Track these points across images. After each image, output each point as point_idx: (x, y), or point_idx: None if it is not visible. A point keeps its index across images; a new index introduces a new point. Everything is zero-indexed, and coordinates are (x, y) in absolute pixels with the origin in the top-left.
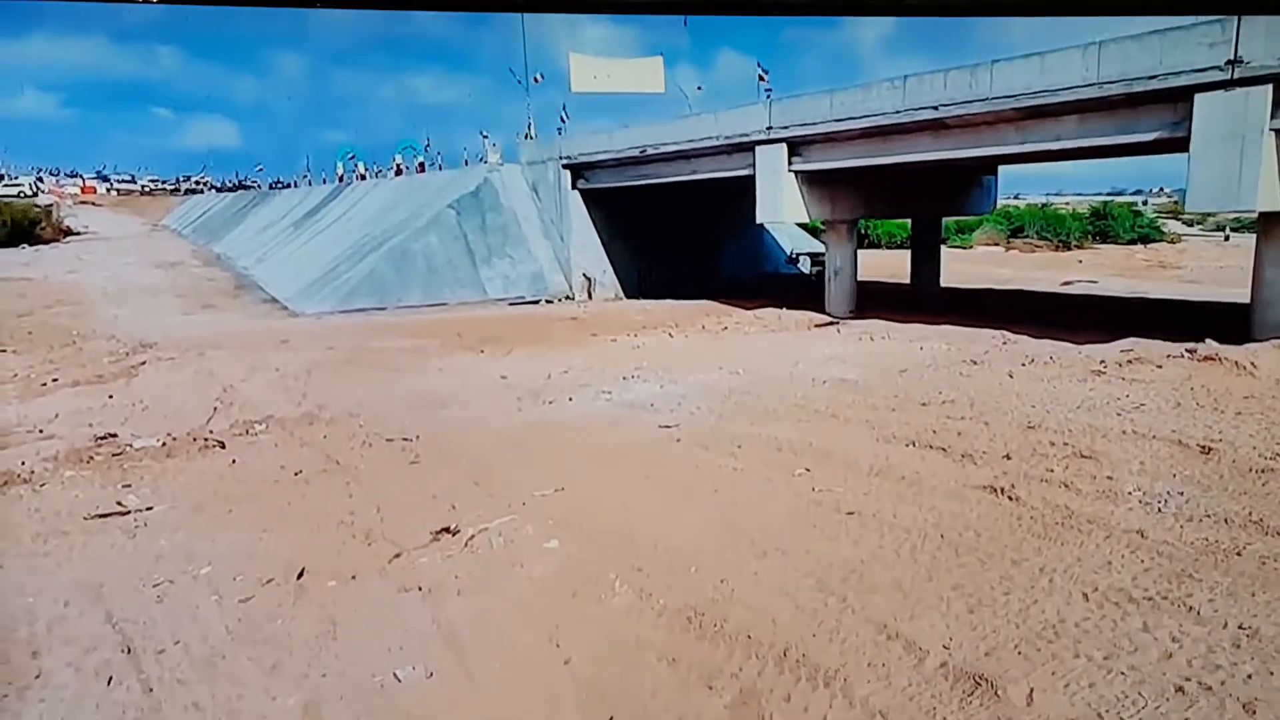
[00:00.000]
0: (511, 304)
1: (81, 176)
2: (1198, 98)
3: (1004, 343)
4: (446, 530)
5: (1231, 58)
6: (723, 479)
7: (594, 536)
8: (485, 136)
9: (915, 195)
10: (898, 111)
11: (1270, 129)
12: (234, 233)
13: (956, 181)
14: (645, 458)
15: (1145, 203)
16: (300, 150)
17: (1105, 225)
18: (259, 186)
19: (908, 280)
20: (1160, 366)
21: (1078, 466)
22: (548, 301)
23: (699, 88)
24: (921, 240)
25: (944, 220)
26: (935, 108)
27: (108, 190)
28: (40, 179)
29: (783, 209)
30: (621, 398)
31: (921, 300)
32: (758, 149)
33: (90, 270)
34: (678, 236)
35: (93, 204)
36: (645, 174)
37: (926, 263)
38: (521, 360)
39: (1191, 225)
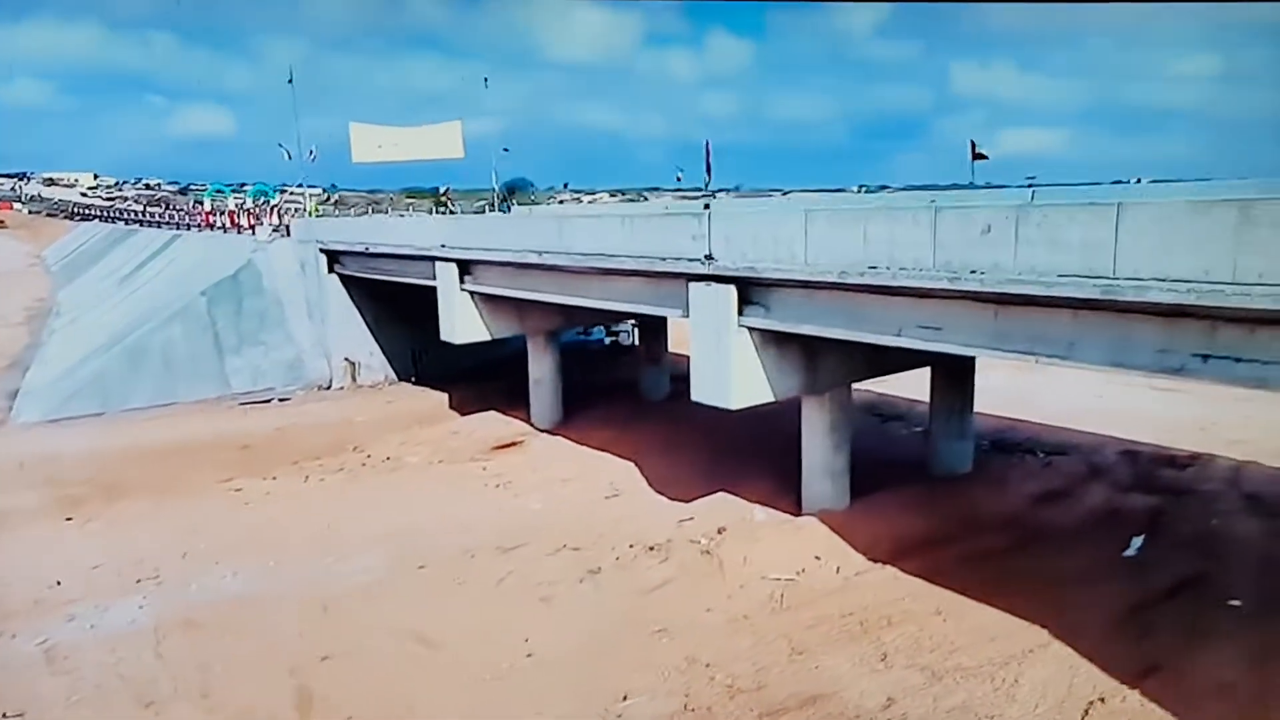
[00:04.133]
0: (243, 403)
1: (25, 178)
2: (690, 286)
3: (609, 496)
4: None
5: (707, 253)
6: None
7: None
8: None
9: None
10: (518, 251)
11: (741, 326)
12: (84, 277)
13: None
14: None
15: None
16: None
17: None
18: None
19: None
20: (665, 560)
21: None
22: (281, 400)
23: (505, 149)
24: (648, 342)
25: None
26: (539, 253)
27: (22, 205)
28: None
29: (456, 328)
30: (44, 643)
31: (638, 406)
32: (436, 265)
33: None
34: None
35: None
36: (374, 268)
37: (652, 364)
38: (88, 537)
39: None
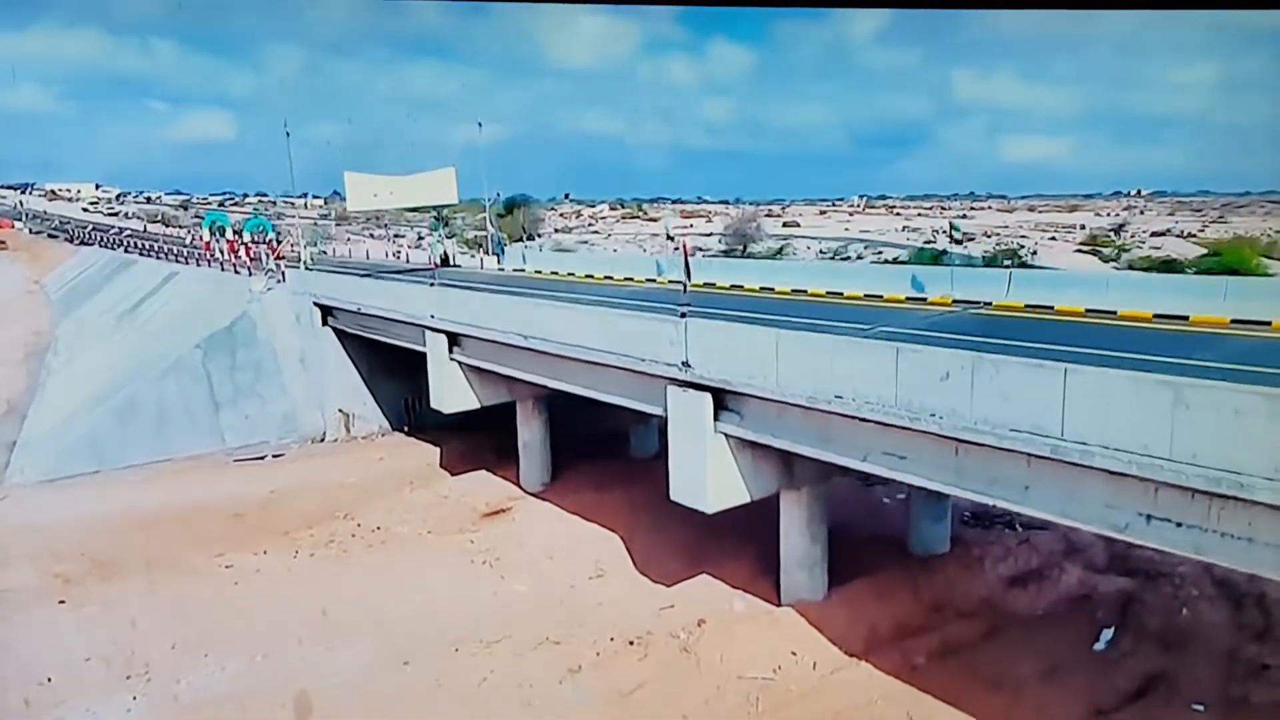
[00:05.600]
0: (237, 459)
1: (27, 190)
2: (669, 390)
3: (592, 576)
4: None
5: (684, 359)
6: None
7: None
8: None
9: None
10: (504, 331)
11: (717, 432)
12: (82, 309)
13: None
14: None
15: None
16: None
17: None
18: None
19: None
20: (644, 658)
21: None
22: (275, 456)
23: (498, 194)
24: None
25: None
26: (525, 336)
27: (23, 224)
28: None
29: (445, 397)
30: None
31: (626, 465)
32: (426, 334)
33: None
34: None
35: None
36: (366, 327)
37: (640, 422)
38: (81, 623)
39: None
